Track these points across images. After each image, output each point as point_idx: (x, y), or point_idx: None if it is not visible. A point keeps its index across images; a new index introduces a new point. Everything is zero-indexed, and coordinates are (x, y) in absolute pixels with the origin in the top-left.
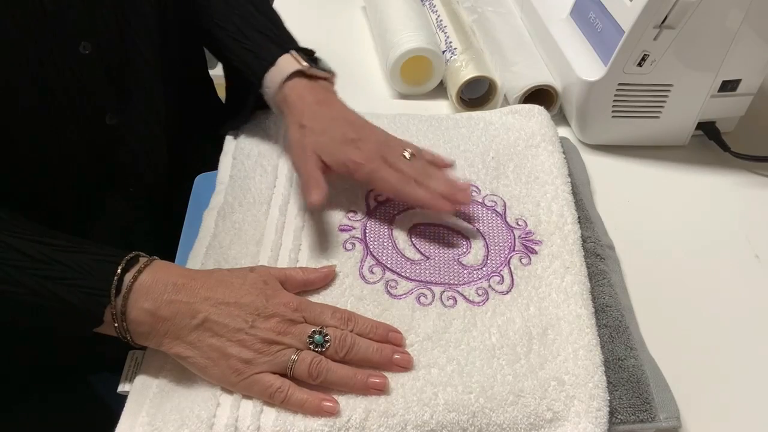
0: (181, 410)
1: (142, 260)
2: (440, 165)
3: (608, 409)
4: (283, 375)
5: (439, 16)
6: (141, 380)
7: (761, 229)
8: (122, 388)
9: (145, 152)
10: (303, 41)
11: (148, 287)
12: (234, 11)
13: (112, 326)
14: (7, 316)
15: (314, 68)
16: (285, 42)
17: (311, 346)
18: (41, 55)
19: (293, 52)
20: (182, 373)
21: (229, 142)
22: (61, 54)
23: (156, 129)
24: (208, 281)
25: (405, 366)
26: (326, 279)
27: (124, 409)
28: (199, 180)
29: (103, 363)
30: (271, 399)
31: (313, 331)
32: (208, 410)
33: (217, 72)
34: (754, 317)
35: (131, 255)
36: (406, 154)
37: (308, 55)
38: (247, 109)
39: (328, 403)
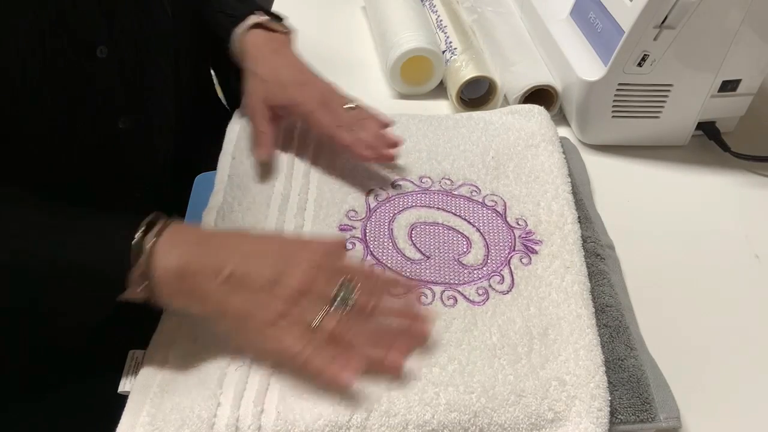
0: (181, 410)
1: (160, 222)
2: (379, 122)
3: (609, 409)
4: (309, 332)
5: (439, 16)
6: (141, 380)
7: (761, 229)
8: (123, 387)
9: (154, 155)
10: (303, 41)
11: (171, 246)
12: None
13: (136, 290)
14: (25, 297)
15: (273, 23)
16: (255, 5)
17: (337, 301)
18: (59, 58)
19: (259, 12)
20: (183, 373)
21: (229, 142)
22: (78, 58)
23: (166, 132)
24: (228, 237)
25: (421, 334)
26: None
27: (125, 409)
28: (199, 180)
29: (103, 363)
30: (290, 362)
31: (340, 284)
32: (209, 410)
33: None
34: (754, 317)
35: (150, 218)
36: (349, 106)
37: (278, 19)
38: (233, 74)
39: (346, 374)
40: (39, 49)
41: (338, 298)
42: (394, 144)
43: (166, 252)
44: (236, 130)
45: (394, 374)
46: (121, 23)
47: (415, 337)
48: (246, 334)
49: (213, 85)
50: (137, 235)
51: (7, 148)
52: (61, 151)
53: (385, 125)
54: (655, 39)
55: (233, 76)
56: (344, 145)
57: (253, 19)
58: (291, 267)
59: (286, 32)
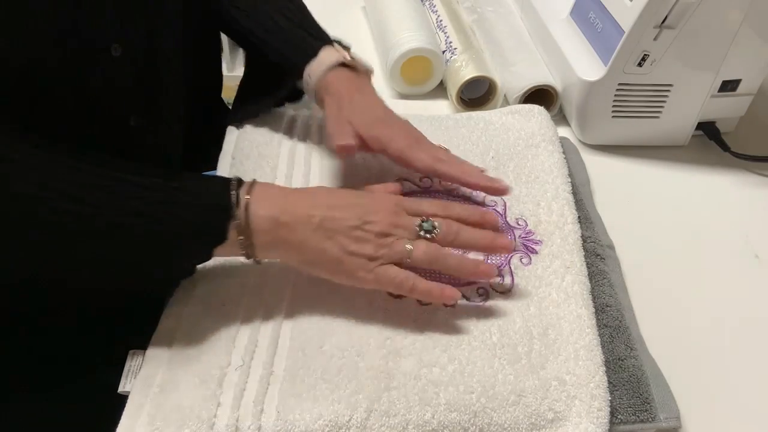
0: (181, 410)
1: (248, 181)
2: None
3: (609, 409)
4: (402, 265)
5: (439, 16)
6: (141, 380)
7: (761, 229)
8: (123, 387)
9: (163, 154)
10: None
11: (264, 198)
12: (264, 4)
13: (236, 242)
14: (130, 255)
15: (355, 61)
16: (323, 35)
17: (422, 233)
18: (74, 56)
19: (336, 44)
20: (183, 373)
21: (229, 142)
22: (93, 56)
23: (176, 131)
24: (308, 192)
25: (507, 247)
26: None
27: (125, 409)
28: None
29: (103, 363)
30: (398, 289)
31: (422, 220)
32: (209, 410)
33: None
34: (754, 317)
35: (235, 178)
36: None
37: (347, 49)
38: (272, 98)
39: (450, 292)
40: (55, 49)
41: (422, 230)
42: (493, 179)
43: (260, 205)
44: (236, 131)
45: (487, 277)
46: (135, 21)
47: (501, 248)
48: (343, 276)
49: (215, 83)
50: (233, 191)
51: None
52: (72, 146)
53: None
54: (655, 39)
55: (285, 85)
56: (450, 177)
57: (334, 56)
58: (372, 214)
59: (368, 71)
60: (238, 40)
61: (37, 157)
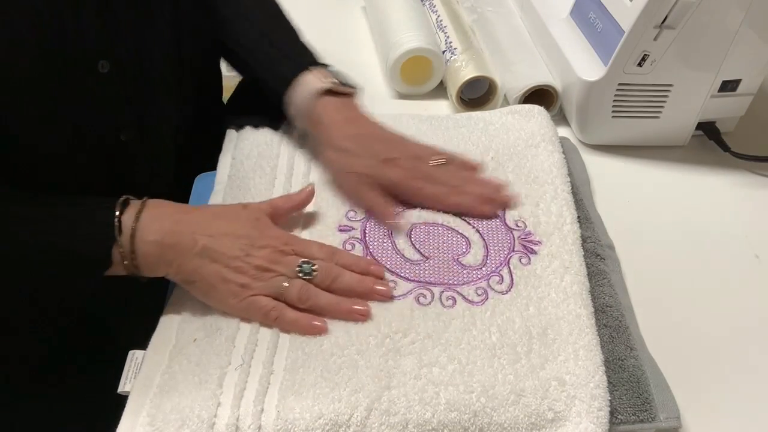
0: (181, 410)
1: (135, 201)
2: (471, 168)
3: (609, 409)
4: (276, 299)
5: (439, 16)
6: (141, 380)
7: (761, 229)
8: (123, 388)
9: (155, 166)
10: None
11: (151, 222)
12: (250, 27)
13: (121, 265)
14: (18, 279)
15: (339, 85)
16: (303, 58)
17: (300, 275)
18: (60, 74)
19: (314, 69)
20: (183, 373)
21: (229, 142)
22: (79, 73)
23: (168, 143)
24: (204, 214)
25: (385, 295)
26: (309, 197)
27: (125, 409)
28: (199, 180)
29: (103, 363)
30: (266, 318)
31: (302, 261)
32: (209, 410)
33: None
34: (754, 317)
35: (122, 198)
36: (437, 161)
37: (324, 67)
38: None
39: (317, 322)
40: (41, 65)
41: (301, 272)
42: (500, 186)
43: (147, 231)
44: (236, 131)
45: (363, 318)
46: (124, 37)
47: (378, 296)
48: (213, 300)
49: (215, 85)
50: (116, 218)
51: (8, 160)
52: (61, 164)
53: (476, 168)
54: (655, 39)
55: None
56: (465, 209)
57: (316, 84)
58: (256, 249)
59: (354, 92)
60: (233, 66)
61: None
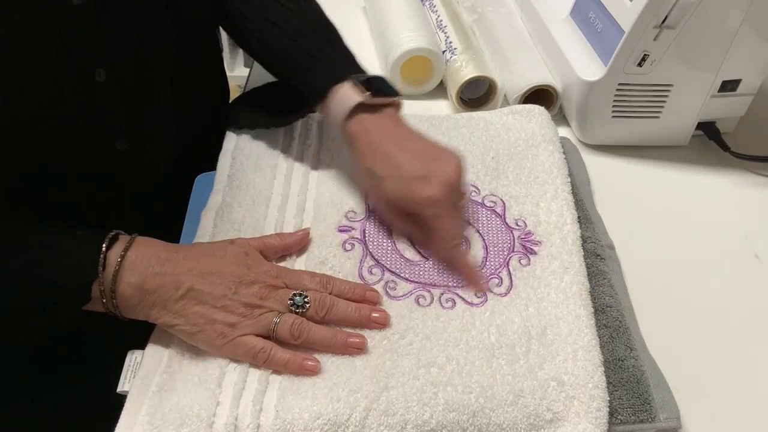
0: (180, 409)
1: (124, 238)
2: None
3: (608, 409)
4: (267, 337)
5: (439, 16)
6: (140, 380)
7: (761, 229)
8: (122, 387)
9: (153, 170)
10: None
11: (134, 262)
12: (283, 33)
13: (100, 302)
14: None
15: (375, 97)
16: (340, 67)
17: (292, 308)
18: (56, 84)
19: (351, 80)
20: (182, 373)
21: (229, 142)
22: (76, 83)
23: (166, 150)
24: (190, 253)
25: (382, 323)
26: (303, 241)
27: (124, 408)
28: (199, 180)
29: (103, 363)
30: (254, 360)
31: (294, 294)
32: (208, 409)
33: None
34: (754, 317)
35: (112, 233)
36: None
37: (361, 71)
38: (279, 119)
39: (310, 362)
40: (38, 75)
41: (293, 305)
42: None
43: (130, 272)
44: (236, 132)
45: (359, 350)
46: (121, 46)
47: (376, 324)
48: (200, 342)
49: (219, 87)
50: (102, 250)
51: (2, 170)
52: (56, 173)
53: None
54: (655, 39)
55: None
56: (460, 272)
57: (351, 98)
58: (245, 286)
59: (394, 103)
60: (254, 56)
61: None
